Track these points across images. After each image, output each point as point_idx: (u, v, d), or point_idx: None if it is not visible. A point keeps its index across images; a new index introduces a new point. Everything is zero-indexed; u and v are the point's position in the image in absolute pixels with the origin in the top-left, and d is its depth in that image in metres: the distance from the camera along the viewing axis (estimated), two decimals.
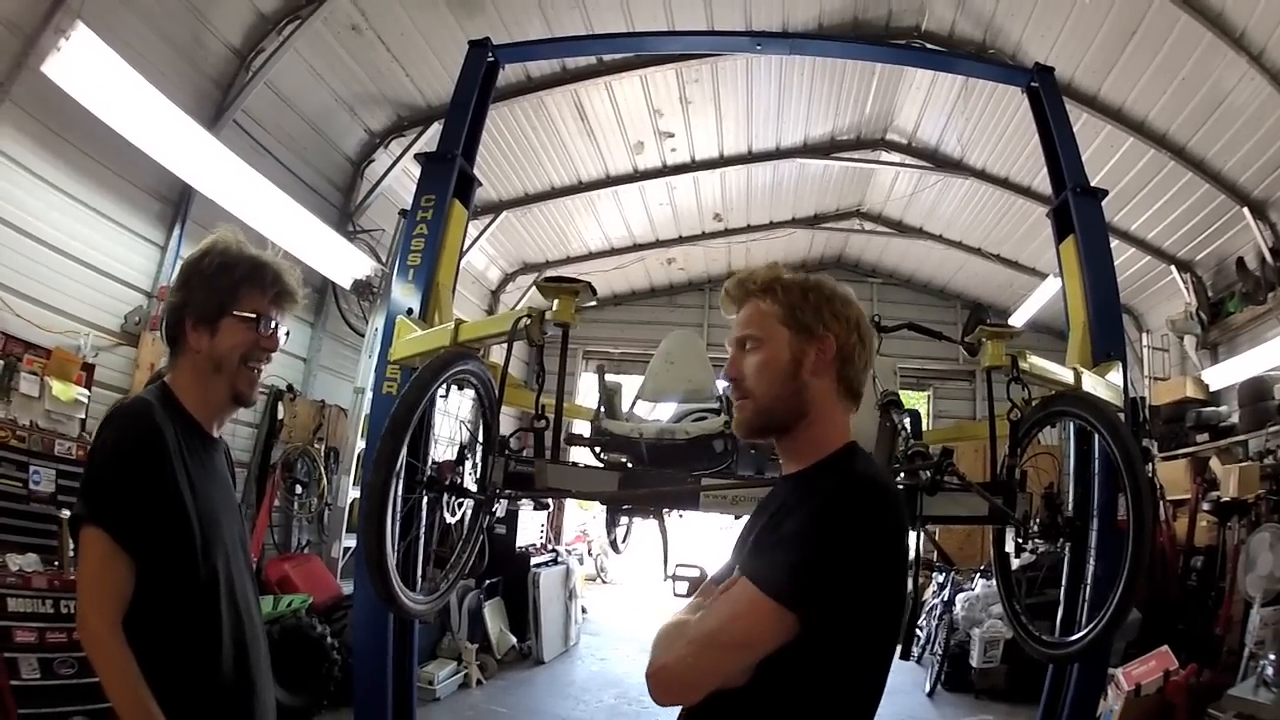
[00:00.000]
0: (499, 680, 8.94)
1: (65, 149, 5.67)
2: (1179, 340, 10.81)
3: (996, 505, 3.59)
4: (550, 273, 12.79)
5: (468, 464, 3.91)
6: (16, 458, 4.94)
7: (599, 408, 4.36)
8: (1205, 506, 8.53)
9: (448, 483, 3.80)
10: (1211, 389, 10.03)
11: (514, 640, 9.72)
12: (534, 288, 13.12)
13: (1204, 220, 9.57)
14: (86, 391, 5.72)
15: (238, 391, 2.25)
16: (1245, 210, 8.91)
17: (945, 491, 3.42)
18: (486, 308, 13.05)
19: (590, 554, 15.76)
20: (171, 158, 6.06)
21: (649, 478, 3.98)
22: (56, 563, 4.76)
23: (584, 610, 11.96)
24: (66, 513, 4.79)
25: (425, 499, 3.80)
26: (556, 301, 3.63)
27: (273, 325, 2.26)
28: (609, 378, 4.57)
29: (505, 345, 3.75)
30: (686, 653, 1.62)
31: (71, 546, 4.52)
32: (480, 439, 3.95)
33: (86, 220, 5.94)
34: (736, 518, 3.79)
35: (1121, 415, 4.17)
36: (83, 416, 5.68)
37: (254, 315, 2.21)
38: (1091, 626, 3.56)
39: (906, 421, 3.84)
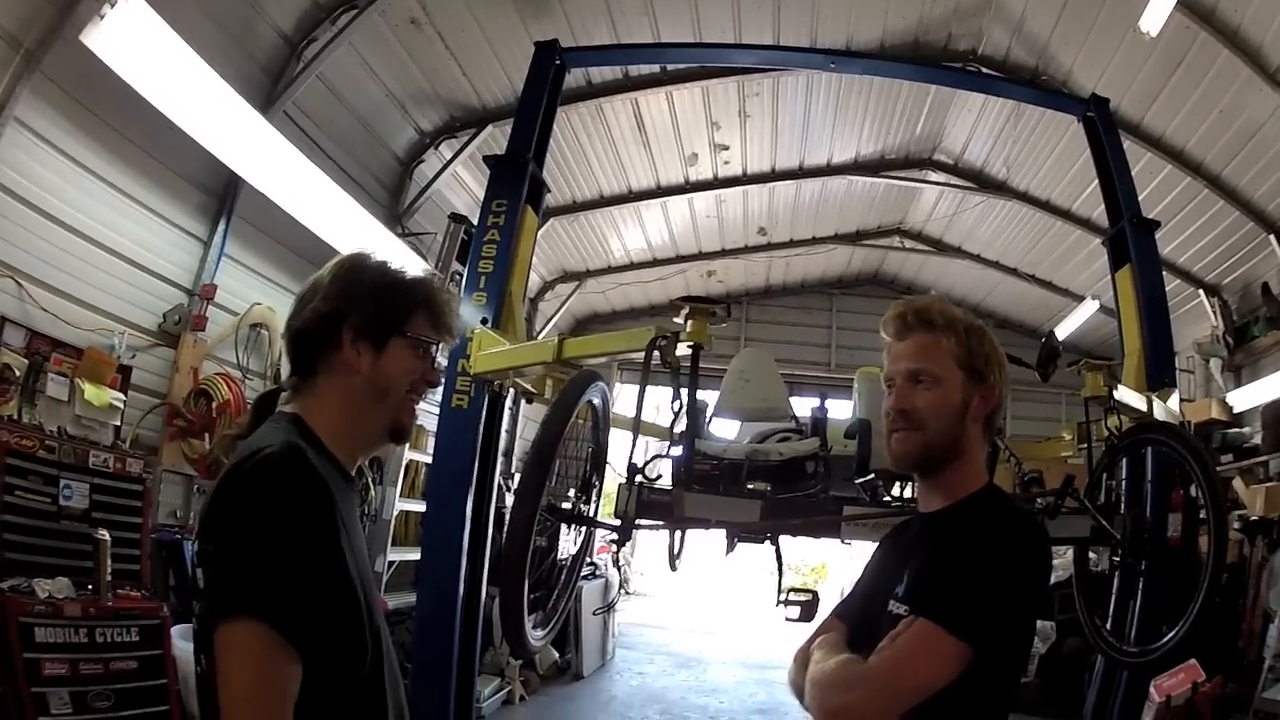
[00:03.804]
0: (541, 696, 8.39)
1: (102, 130, 4.79)
2: (1204, 363, 10.51)
3: (1105, 527, 3.70)
4: (591, 282, 12.47)
5: (592, 492, 3.62)
6: (46, 470, 4.10)
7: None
8: (1235, 525, 8.21)
9: (576, 513, 3.57)
10: (1235, 411, 9.85)
11: (555, 655, 9.09)
12: (573, 296, 12.59)
13: (1232, 246, 9.40)
14: (122, 396, 4.94)
15: (399, 424, 1.76)
16: (1271, 237, 8.79)
17: (1061, 515, 3.48)
18: (524, 315, 12.18)
19: (615, 565, 15.02)
20: (220, 144, 5.14)
21: (793, 506, 3.71)
22: (91, 586, 4.01)
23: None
24: (103, 533, 4.09)
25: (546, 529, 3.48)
26: (691, 322, 3.43)
27: (436, 358, 1.80)
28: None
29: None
30: (870, 692, 1.61)
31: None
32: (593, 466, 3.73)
33: (122, 208, 5.05)
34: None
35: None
36: (117, 423, 4.90)
37: (427, 342, 1.76)
38: (1175, 633, 3.69)
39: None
